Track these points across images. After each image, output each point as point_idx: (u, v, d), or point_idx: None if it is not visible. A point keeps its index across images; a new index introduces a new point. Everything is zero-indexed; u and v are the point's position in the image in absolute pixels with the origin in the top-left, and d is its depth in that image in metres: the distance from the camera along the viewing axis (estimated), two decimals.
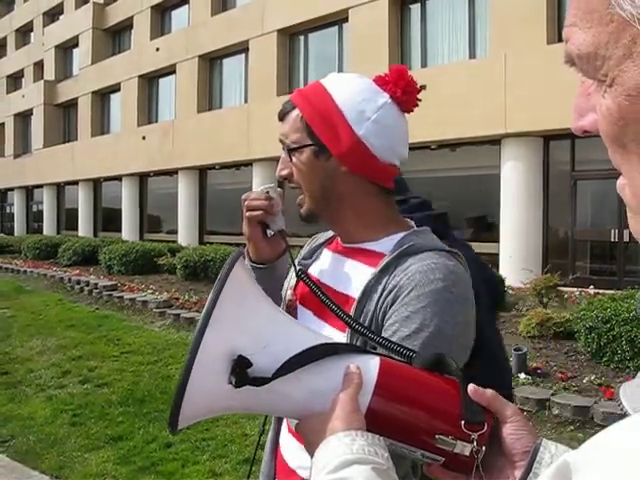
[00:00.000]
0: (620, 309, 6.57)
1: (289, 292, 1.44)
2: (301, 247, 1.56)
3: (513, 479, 0.83)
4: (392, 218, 1.35)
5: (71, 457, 5.13)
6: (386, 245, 1.29)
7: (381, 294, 1.22)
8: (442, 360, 0.92)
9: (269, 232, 1.41)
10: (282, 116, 1.38)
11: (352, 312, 1.23)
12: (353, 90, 1.29)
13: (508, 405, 0.88)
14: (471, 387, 0.87)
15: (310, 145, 1.31)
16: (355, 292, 1.26)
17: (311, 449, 0.85)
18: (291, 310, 1.40)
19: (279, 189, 1.44)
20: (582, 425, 5.45)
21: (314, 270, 1.43)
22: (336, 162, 1.29)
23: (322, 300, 1.19)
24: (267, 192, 1.41)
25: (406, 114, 1.34)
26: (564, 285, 10.05)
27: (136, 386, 6.94)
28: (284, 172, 1.38)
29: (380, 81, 1.30)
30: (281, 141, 1.38)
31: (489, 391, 0.88)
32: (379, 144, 1.27)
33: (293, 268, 1.39)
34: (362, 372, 0.87)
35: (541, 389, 6.03)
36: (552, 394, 5.84)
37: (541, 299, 8.80)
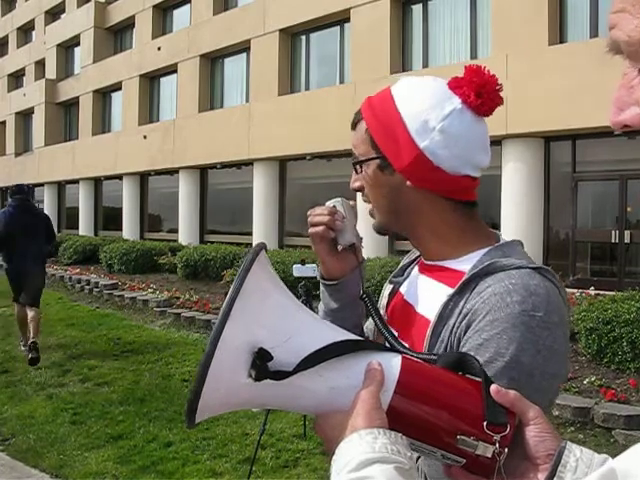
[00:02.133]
0: (621, 310, 6.57)
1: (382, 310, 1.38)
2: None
3: None
4: (474, 232, 1.25)
5: (71, 456, 5.14)
6: (465, 263, 1.20)
7: (456, 318, 1.14)
8: (465, 360, 0.91)
9: (339, 247, 1.34)
10: (353, 125, 1.32)
11: (428, 337, 1.16)
12: (419, 97, 1.21)
13: (531, 407, 0.86)
14: (494, 387, 0.86)
15: (375, 158, 1.25)
16: (432, 314, 1.19)
17: (331, 446, 0.83)
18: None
19: (351, 202, 1.38)
20: (582, 426, 5.45)
21: (403, 288, 1.37)
22: (400, 177, 1.22)
23: (375, 322, 1.14)
24: (333, 206, 1.34)
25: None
26: (565, 286, 10.00)
27: (136, 385, 6.95)
28: (356, 184, 1.32)
29: (453, 84, 1.21)
30: (352, 152, 1.32)
31: (512, 392, 0.86)
32: (446, 155, 1.18)
33: (361, 291, 1.27)
34: (384, 369, 0.86)
35: None
36: None
37: None
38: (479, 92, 1.18)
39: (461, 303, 1.14)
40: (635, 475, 0.50)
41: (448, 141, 1.18)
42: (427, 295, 1.26)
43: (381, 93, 1.28)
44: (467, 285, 1.15)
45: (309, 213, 1.34)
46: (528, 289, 1.08)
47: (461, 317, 1.13)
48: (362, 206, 1.36)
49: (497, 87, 1.21)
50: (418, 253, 1.38)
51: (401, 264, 1.44)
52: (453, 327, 1.14)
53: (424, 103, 1.20)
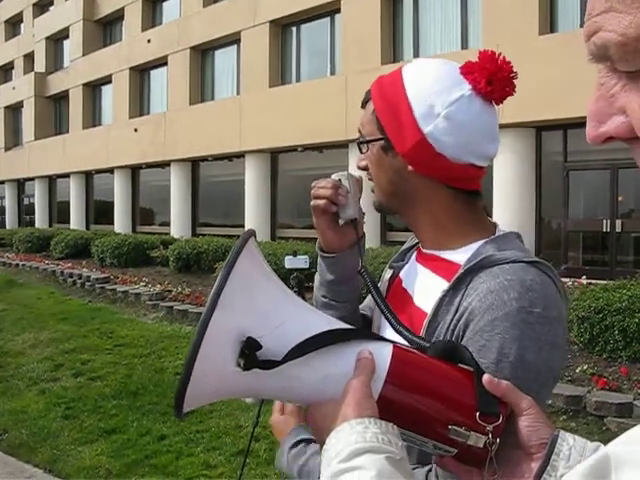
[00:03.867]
0: (612, 299, 6.59)
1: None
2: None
3: (530, 472, 0.81)
4: (472, 223, 1.22)
5: (64, 450, 5.13)
6: (462, 255, 1.18)
7: (453, 315, 1.12)
8: (456, 349, 0.91)
9: (340, 221, 1.32)
10: (363, 104, 1.30)
11: (423, 330, 1.14)
12: (428, 81, 1.18)
13: (524, 397, 0.85)
14: (486, 377, 0.85)
15: (379, 139, 1.23)
16: (427, 307, 1.17)
17: (321, 436, 0.82)
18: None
19: (357, 176, 1.35)
20: (575, 414, 5.47)
21: (402, 274, 1.35)
22: (402, 160, 1.20)
23: (373, 297, 1.14)
24: (339, 180, 1.32)
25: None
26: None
27: (129, 379, 6.93)
28: (362, 163, 1.30)
29: (465, 69, 1.18)
30: (359, 130, 1.30)
31: (504, 382, 0.86)
32: (450, 142, 1.16)
33: (361, 268, 1.29)
34: (375, 358, 0.85)
35: None
36: None
37: None
38: (490, 79, 1.16)
39: (457, 299, 1.12)
40: (627, 460, 0.49)
41: (453, 128, 1.15)
42: (423, 287, 1.24)
43: (392, 73, 1.25)
44: (462, 280, 1.13)
45: (313, 185, 1.32)
46: (524, 285, 1.07)
47: (458, 315, 1.11)
48: (367, 183, 1.35)
49: (511, 74, 1.18)
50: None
51: (402, 249, 1.42)
52: (450, 324, 1.12)
53: (432, 87, 1.17)
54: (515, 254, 1.12)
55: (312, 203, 1.31)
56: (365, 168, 1.30)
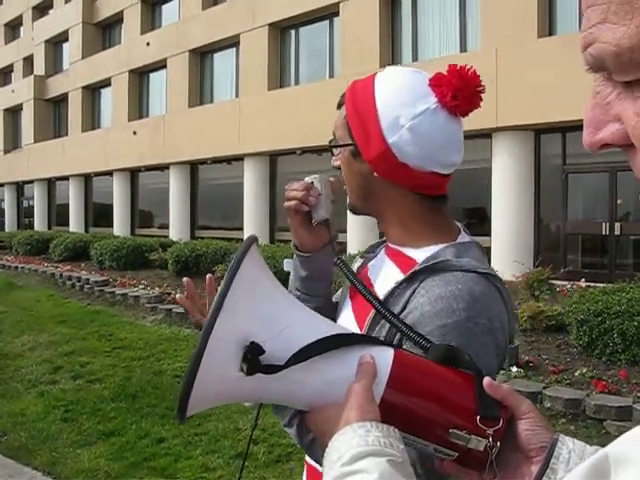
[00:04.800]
0: (612, 302, 6.60)
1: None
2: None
3: (529, 475, 0.81)
4: (436, 226, 1.28)
5: (63, 453, 5.12)
6: (421, 255, 1.24)
7: (402, 308, 1.17)
8: (457, 353, 0.91)
9: (313, 222, 1.38)
10: (338, 106, 1.36)
11: (370, 317, 1.21)
12: (396, 91, 1.23)
13: (523, 400, 0.86)
14: (487, 380, 0.86)
15: (349, 145, 1.29)
16: (381, 295, 1.22)
17: (324, 439, 0.83)
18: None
19: (331, 179, 1.41)
20: (574, 418, 5.47)
21: (370, 265, 1.41)
22: (369, 166, 1.26)
23: (354, 284, 1.18)
24: (311, 182, 1.38)
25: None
26: (556, 278, 10.09)
27: (128, 381, 6.93)
28: (336, 163, 1.37)
29: (434, 81, 1.22)
30: (333, 132, 1.37)
31: (505, 386, 0.86)
32: (413, 153, 1.21)
33: (336, 257, 1.37)
34: (376, 362, 0.85)
35: (533, 382, 6.05)
36: (544, 387, 5.86)
37: (533, 292, 8.82)
38: (456, 94, 1.20)
39: (407, 293, 1.18)
40: (627, 459, 0.50)
41: (416, 139, 1.20)
42: (384, 277, 1.30)
43: (366, 80, 1.31)
44: (416, 276, 1.19)
45: (286, 187, 1.39)
46: (473, 295, 1.13)
47: (406, 311, 1.16)
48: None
49: (478, 89, 1.22)
50: None
51: (373, 243, 1.49)
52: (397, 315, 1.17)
53: (399, 98, 1.22)
54: (471, 263, 1.18)
55: (284, 204, 1.38)
56: (339, 168, 1.37)
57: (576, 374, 6.22)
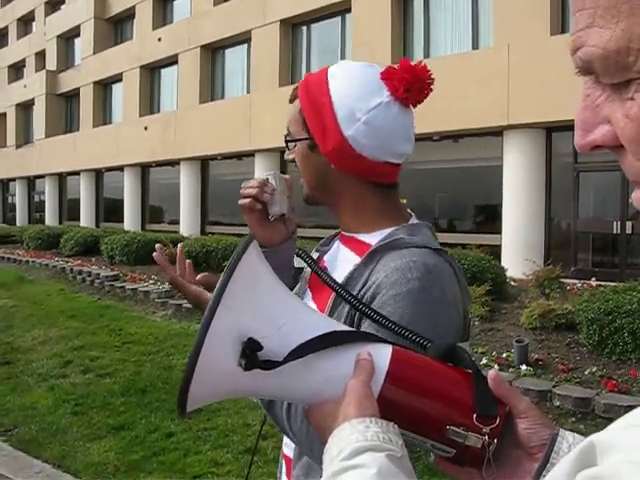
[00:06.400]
0: (622, 301, 6.57)
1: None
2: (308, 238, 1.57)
3: (531, 471, 0.82)
4: (388, 213, 1.34)
5: (73, 446, 5.15)
6: (375, 238, 1.29)
7: (361, 288, 1.22)
8: (455, 350, 0.92)
9: (270, 217, 1.43)
10: (291, 100, 1.40)
11: (331, 300, 1.26)
12: (350, 86, 1.28)
13: (522, 399, 0.86)
14: (493, 373, 0.86)
15: (305, 139, 1.34)
16: (340, 279, 1.26)
17: (323, 435, 0.84)
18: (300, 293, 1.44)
19: (285, 175, 1.46)
20: (583, 417, 5.46)
21: (326, 256, 1.45)
22: (326, 159, 1.31)
23: (317, 273, 1.22)
24: (266, 178, 1.43)
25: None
26: (566, 277, 10.06)
27: (138, 376, 6.96)
28: (290, 157, 1.41)
29: (386, 75, 1.27)
30: (287, 126, 1.40)
31: (506, 383, 0.87)
32: (369, 144, 1.26)
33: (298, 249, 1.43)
34: (374, 359, 0.86)
35: (542, 381, 6.03)
36: (553, 386, 5.85)
37: (543, 291, 8.80)
38: (409, 87, 1.25)
39: (366, 273, 1.23)
40: (611, 446, 0.51)
41: (371, 132, 1.25)
42: (341, 262, 1.36)
43: (318, 74, 1.35)
44: (372, 256, 1.24)
45: (242, 185, 1.45)
46: (427, 267, 1.18)
47: (365, 288, 1.21)
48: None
49: (428, 81, 1.27)
50: None
51: (328, 236, 1.54)
52: (357, 295, 1.19)
53: (354, 92, 1.27)
54: (423, 240, 1.26)
55: (239, 202, 1.44)
56: (293, 161, 1.41)
57: (586, 373, 6.20)
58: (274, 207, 1.42)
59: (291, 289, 1.50)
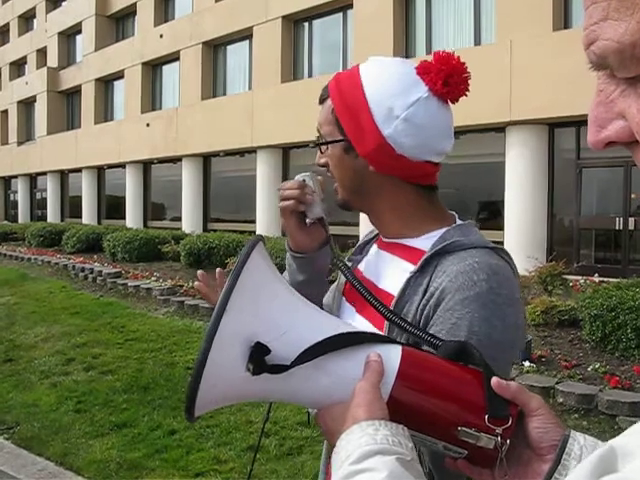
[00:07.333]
0: (625, 297, 6.56)
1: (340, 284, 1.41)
2: (343, 237, 1.52)
3: (541, 472, 0.81)
4: (433, 214, 1.27)
5: (75, 444, 5.15)
6: (425, 242, 1.22)
7: (422, 296, 1.15)
8: (466, 350, 0.90)
9: (308, 221, 1.35)
10: (321, 101, 1.33)
11: (386, 328, 1.18)
12: (386, 82, 1.20)
13: (533, 398, 0.85)
14: (495, 380, 0.85)
15: (340, 141, 1.27)
16: (394, 290, 1.20)
17: (332, 438, 0.83)
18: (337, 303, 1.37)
19: (319, 177, 1.39)
20: (586, 413, 5.44)
21: (361, 266, 1.38)
22: (364, 160, 1.24)
23: (358, 290, 1.13)
24: (303, 180, 1.35)
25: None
26: (569, 273, 10.04)
27: (140, 373, 6.96)
28: (322, 161, 1.34)
29: (422, 69, 1.20)
30: (317, 128, 1.34)
31: (513, 384, 0.86)
32: (409, 143, 1.19)
33: (334, 258, 1.33)
34: (384, 360, 0.85)
35: (545, 377, 6.02)
36: (556, 382, 5.84)
37: (546, 287, 8.79)
38: (446, 80, 1.19)
39: (425, 281, 1.16)
40: (632, 452, 0.50)
41: (411, 129, 1.19)
42: (388, 271, 1.27)
43: (349, 72, 1.27)
44: (429, 262, 1.17)
45: (279, 187, 1.37)
46: (491, 267, 1.12)
47: (428, 295, 1.14)
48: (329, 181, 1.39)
49: (465, 75, 1.22)
50: (376, 232, 1.41)
51: (359, 243, 1.47)
52: (419, 304, 1.15)
53: (390, 89, 1.20)
54: (479, 240, 1.19)
55: (280, 205, 1.35)
56: (324, 165, 1.33)
57: (589, 369, 6.18)
58: (314, 209, 1.34)
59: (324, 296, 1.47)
